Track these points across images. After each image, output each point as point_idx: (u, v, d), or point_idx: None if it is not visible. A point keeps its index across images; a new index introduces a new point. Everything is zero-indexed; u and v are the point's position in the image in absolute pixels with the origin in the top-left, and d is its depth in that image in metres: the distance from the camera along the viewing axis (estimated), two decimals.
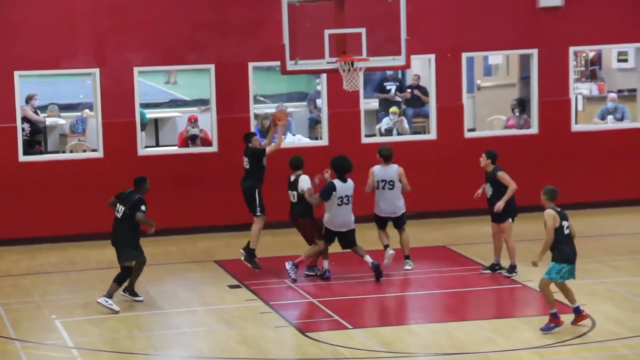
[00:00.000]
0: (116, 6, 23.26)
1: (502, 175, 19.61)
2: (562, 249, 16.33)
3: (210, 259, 21.61)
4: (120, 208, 18.58)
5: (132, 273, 18.67)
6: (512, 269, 19.66)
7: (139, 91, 23.66)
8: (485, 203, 19.78)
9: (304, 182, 19.84)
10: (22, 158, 23.27)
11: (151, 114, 26.69)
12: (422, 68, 25.45)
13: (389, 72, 26.44)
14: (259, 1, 23.28)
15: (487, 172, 19.83)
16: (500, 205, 19.41)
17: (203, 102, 25.98)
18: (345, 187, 19.58)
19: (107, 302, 18.19)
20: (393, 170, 20.15)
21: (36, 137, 24.98)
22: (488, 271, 19.98)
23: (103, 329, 17.57)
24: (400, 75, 27.29)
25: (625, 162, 24.72)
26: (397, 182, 20.08)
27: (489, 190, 19.77)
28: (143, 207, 18.46)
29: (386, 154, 20.18)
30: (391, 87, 26.70)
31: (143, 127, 25.47)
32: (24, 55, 23.06)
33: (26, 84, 24.00)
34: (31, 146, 24.39)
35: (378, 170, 20.17)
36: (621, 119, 25.49)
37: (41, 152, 24.53)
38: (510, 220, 19.68)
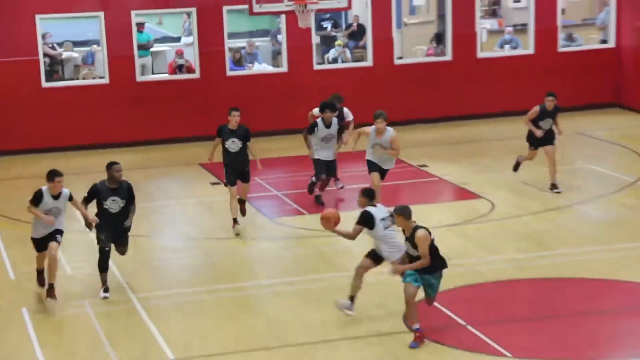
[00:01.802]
0: None
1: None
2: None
3: (195, 162, 21.74)
4: (113, 202, 14.03)
5: None
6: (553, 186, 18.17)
7: (135, 29, 23.65)
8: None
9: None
10: (45, 84, 23.28)
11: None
12: (361, 9, 25.44)
13: (326, 13, 26.32)
14: None
15: (548, 111, 17.83)
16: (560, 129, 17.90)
17: (187, 38, 25.93)
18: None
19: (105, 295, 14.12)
20: (388, 136, 16.65)
21: (54, 68, 24.92)
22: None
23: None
24: (342, 15, 27.22)
25: (517, 80, 24.95)
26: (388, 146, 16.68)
27: (548, 124, 17.94)
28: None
29: (375, 114, 16.56)
30: (327, 25, 26.66)
31: (150, 46, 25.43)
32: (43, 2, 22.98)
33: (45, 25, 23.88)
34: (51, 75, 24.36)
35: (372, 133, 16.61)
36: (515, 48, 25.69)
37: (59, 79, 24.47)
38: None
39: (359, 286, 12.81)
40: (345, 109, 18.64)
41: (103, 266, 14.01)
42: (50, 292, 13.69)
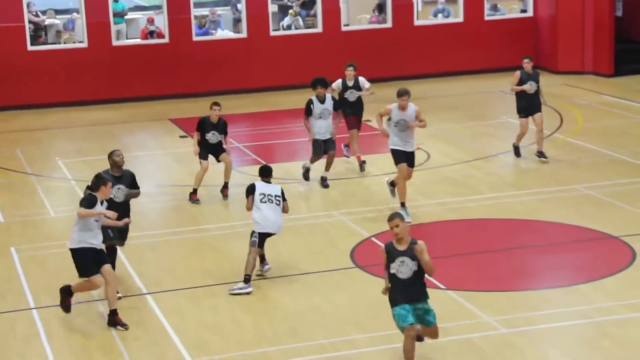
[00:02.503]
0: None
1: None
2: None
3: (165, 118, 21.39)
4: (118, 190, 11.88)
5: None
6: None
7: None
8: None
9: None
10: (30, 48, 22.77)
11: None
12: None
13: None
14: None
15: (529, 74, 16.59)
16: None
17: (157, 7, 25.42)
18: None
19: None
20: (411, 111, 13.99)
21: (38, 33, 24.36)
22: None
23: (92, 167, 17.40)
24: None
25: (449, 45, 24.77)
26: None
27: (534, 86, 16.59)
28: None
29: (400, 91, 14.04)
30: None
31: (124, 14, 24.83)
32: None
33: None
34: (36, 39, 23.79)
35: (395, 110, 14.01)
36: (447, 16, 25.48)
37: (43, 44, 23.91)
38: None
39: None
40: (361, 78, 16.68)
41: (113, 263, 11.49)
42: (117, 318, 10.82)
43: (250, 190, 11.91)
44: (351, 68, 16.56)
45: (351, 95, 16.55)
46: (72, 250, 10.72)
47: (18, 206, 15.39)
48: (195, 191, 15.29)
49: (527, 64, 16.65)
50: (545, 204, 14.58)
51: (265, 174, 12.10)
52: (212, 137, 15.16)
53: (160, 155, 18.51)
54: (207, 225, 14.13)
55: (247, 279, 11.71)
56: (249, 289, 11.69)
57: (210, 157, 15.27)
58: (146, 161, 18.02)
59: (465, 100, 22.10)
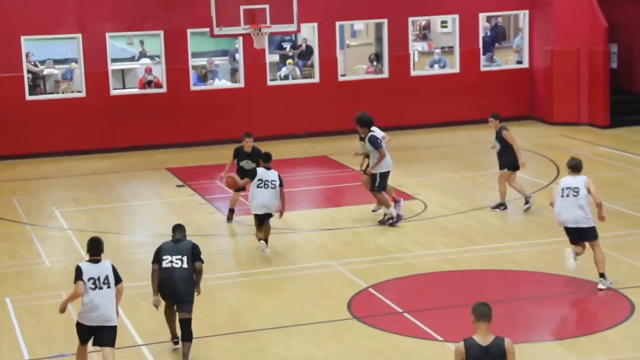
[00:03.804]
0: None
1: (506, 135, 16.47)
2: None
3: (162, 167, 21.36)
4: (177, 259, 11.13)
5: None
6: (499, 205, 16.79)
7: (109, 49, 23.22)
8: None
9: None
10: (28, 97, 22.76)
11: (118, 66, 26.17)
12: (309, 32, 25.20)
13: (287, 36, 26.14)
14: None
15: (496, 132, 16.55)
16: (522, 161, 16.40)
17: (156, 57, 25.55)
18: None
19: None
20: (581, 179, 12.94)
21: (37, 83, 24.43)
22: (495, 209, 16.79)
23: (89, 216, 17.40)
24: (293, 37, 27.02)
25: (445, 95, 24.86)
26: (582, 190, 12.85)
27: (497, 146, 16.66)
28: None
29: (573, 165, 13.11)
30: (287, 45, 26.44)
31: None
32: (27, 24, 22.48)
33: (29, 45, 23.42)
34: (34, 89, 23.84)
35: (565, 179, 13.10)
36: (443, 67, 25.61)
37: (41, 93, 23.96)
38: (506, 169, 16.60)
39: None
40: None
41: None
42: None
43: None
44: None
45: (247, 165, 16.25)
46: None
47: (14, 256, 15.28)
48: (231, 211, 16.55)
49: (490, 123, 16.73)
50: (542, 254, 14.48)
51: (266, 159, 14.46)
52: (246, 164, 16.23)
53: (156, 204, 18.43)
54: (204, 275, 14.00)
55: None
56: None
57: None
58: (142, 210, 17.95)
59: (461, 150, 22.10)
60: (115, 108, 23.13)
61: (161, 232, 16.40)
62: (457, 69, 25.10)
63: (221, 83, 24.70)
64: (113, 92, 23.26)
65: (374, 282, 13.33)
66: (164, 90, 23.49)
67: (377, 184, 15.99)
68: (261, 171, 14.39)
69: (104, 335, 10.02)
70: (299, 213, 17.18)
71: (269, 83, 24.07)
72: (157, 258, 10.99)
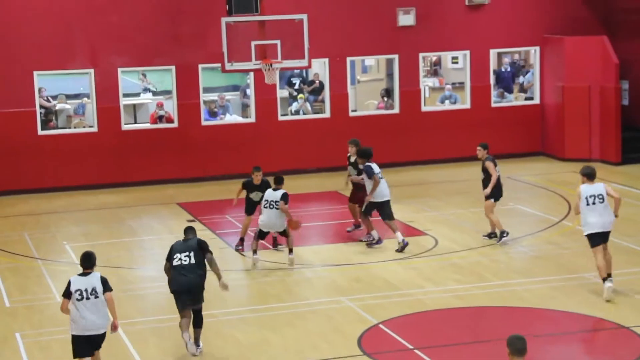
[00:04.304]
0: (104, 25, 22.93)
1: (488, 165, 16.76)
2: None
3: (173, 202, 21.45)
4: (185, 256, 12.12)
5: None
6: (501, 235, 17.02)
7: (121, 84, 23.40)
8: None
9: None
10: (40, 132, 22.94)
11: (130, 100, 26.34)
12: (320, 68, 25.35)
13: (296, 71, 26.32)
14: (205, 21, 23.06)
15: (482, 162, 16.84)
16: (487, 191, 16.71)
17: (167, 92, 25.70)
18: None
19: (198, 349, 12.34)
20: (600, 187, 13.78)
21: (49, 117, 24.58)
22: (486, 237, 17.26)
23: (99, 252, 17.38)
24: (303, 73, 27.15)
25: (456, 131, 24.93)
26: (605, 197, 13.72)
27: (482, 175, 16.93)
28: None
29: (588, 172, 13.87)
30: (296, 80, 26.57)
31: None
32: (40, 59, 22.69)
33: (42, 80, 23.63)
34: (46, 124, 23.99)
35: (585, 188, 13.75)
36: (454, 103, 25.69)
37: (53, 128, 24.10)
38: (492, 200, 16.84)
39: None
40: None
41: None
42: None
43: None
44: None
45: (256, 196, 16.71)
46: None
47: (24, 291, 15.32)
48: (241, 240, 17.01)
49: (477, 152, 16.96)
50: (553, 292, 14.45)
51: (277, 181, 15.65)
52: (255, 196, 16.72)
53: (167, 239, 18.39)
54: (213, 310, 14.01)
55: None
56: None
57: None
58: (153, 245, 17.98)
59: (472, 186, 22.03)
60: (127, 143, 23.26)
61: None
62: (467, 105, 25.18)
63: (232, 118, 24.82)
64: (125, 127, 23.41)
65: (385, 318, 13.31)
66: (175, 125, 23.62)
67: (365, 208, 16.93)
68: (269, 192, 15.71)
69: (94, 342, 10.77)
70: (309, 248, 17.19)
71: (280, 118, 24.18)
72: (169, 257, 12.13)
